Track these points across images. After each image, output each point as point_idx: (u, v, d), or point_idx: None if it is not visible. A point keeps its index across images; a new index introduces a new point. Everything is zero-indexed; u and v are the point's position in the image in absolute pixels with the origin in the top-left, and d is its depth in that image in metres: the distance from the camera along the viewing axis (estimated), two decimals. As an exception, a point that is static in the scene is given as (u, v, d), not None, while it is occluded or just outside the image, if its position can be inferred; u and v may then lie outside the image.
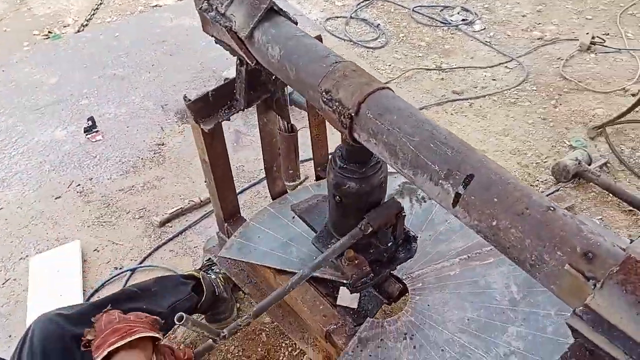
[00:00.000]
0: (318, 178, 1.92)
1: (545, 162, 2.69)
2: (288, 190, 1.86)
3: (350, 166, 1.24)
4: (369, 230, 1.29)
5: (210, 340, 1.30)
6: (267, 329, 2.00)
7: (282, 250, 1.66)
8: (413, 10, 4.00)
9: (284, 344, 1.97)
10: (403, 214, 1.33)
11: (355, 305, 1.55)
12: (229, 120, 1.41)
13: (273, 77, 1.42)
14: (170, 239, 2.33)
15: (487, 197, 0.85)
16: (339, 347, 1.45)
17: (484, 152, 2.22)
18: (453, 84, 3.27)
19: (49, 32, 3.96)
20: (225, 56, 1.69)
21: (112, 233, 2.38)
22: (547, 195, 1.86)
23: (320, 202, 1.61)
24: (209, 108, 1.37)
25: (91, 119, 2.92)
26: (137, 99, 3.17)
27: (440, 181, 0.91)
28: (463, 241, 1.65)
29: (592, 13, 3.86)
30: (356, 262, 1.39)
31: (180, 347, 1.34)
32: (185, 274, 1.88)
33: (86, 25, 4.01)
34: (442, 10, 4.02)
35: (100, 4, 4.26)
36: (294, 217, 1.74)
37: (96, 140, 2.86)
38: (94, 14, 4.13)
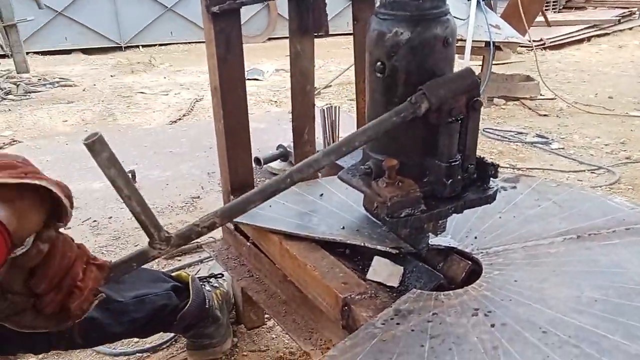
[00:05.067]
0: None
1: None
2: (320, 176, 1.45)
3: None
4: (424, 107, 0.85)
5: (147, 243, 0.83)
6: None
7: (299, 218, 1.19)
8: (484, 130, 3.81)
9: None
10: (479, 100, 0.89)
11: (395, 283, 1.00)
12: (248, 4, 1.12)
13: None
14: (176, 270, 1.87)
15: None
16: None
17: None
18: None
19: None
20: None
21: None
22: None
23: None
24: (227, -13, 1.11)
25: (132, 172, 2.75)
26: (185, 168, 3.02)
27: None
28: (567, 223, 1.11)
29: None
30: (399, 183, 0.92)
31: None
32: (172, 274, 1.41)
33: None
34: (515, 134, 3.81)
35: (179, 119, 4.48)
36: (322, 195, 1.31)
37: (130, 191, 2.64)
38: (173, 123, 4.30)
